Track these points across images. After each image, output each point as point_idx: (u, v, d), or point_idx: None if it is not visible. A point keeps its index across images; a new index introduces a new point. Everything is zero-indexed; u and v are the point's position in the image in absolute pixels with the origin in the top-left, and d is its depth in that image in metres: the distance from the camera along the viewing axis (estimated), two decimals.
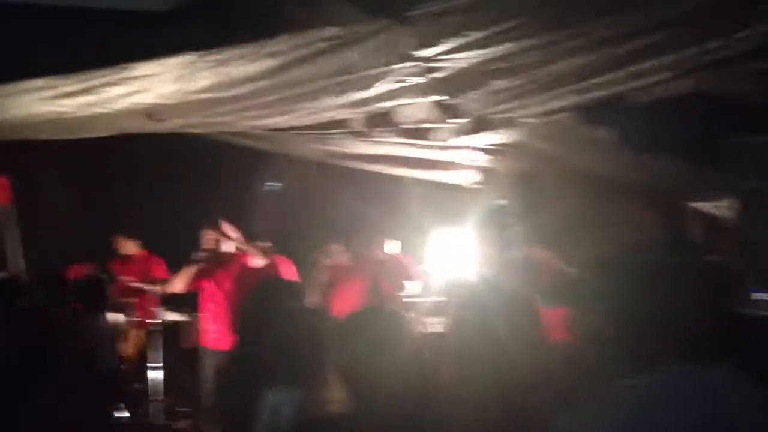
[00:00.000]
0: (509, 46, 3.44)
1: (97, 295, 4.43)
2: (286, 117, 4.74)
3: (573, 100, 4.17)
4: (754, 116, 4.23)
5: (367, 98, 4.27)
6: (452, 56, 3.63)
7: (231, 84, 3.93)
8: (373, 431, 1.81)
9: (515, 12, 3.20)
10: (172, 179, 7.13)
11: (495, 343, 1.96)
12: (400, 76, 3.92)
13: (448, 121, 4.86)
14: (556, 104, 4.32)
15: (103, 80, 3.88)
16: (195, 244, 5.43)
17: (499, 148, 5.52)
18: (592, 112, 4.34)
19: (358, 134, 5.41)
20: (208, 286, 5.34)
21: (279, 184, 8.14)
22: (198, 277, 5.31)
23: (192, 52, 3.61)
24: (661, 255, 1.53)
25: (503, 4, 3.21)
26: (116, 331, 5.46)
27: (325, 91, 4.14)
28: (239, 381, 2.56)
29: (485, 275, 4.85)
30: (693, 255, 1.65)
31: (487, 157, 5.82)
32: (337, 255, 5.66)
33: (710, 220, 5.29)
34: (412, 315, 5.21)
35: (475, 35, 3.35)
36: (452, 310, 2.20)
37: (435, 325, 4.86)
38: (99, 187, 7.31)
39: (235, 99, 4.20)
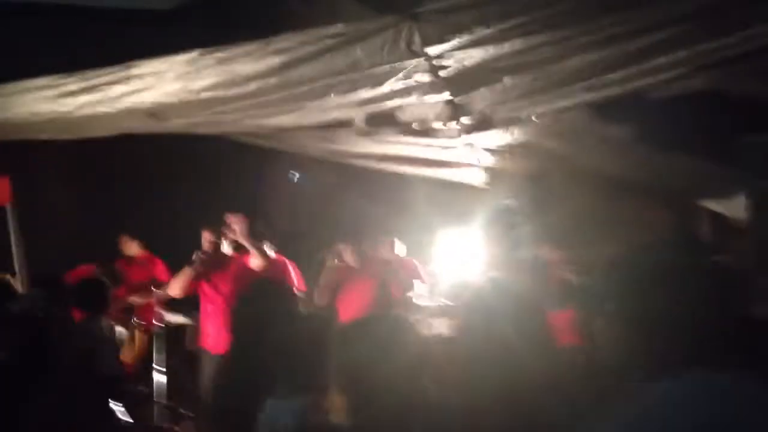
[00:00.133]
0: (517, 42, 3.38)
1: (98, 297, 4.39)
2: (291, 116, 4.68)
3: (583, 97, 4.12)
4: None
5: (375, 96, 4.22)
6: (460, 53, 3.57)
7: (235, 82, 3.88)
8: None
9: (524, 8, 3.15)
10: (172, 179, 7.12)
11: (502, 347, 1.96)
12: (408, 73, 3.87)
13: (456, 119, 4.81)
14: (566, 102, 4.26)
15: (106, 79, 3.85)
16: (195, 244, 5.39)
17: (508, 146, 5.46)
18: (602, 110, 4.30)
19: (364, 133, 5.36)
20: (206, 289, 5.30)
21: (283, 183, 8.11)
22: (196, 279, 5.26)
23: (196, 50, 3.57)
24: (671, 255, 1.53)
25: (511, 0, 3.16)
26: (118, 333, 5.43)
27: (331, 89, 4.09)
28: (236, 384, 2.54)
29: (493, 276, 4.80)
30: (703, 255, 1.66)
31: (495, 155, 5.77)
32: (345, 255, 5.62)
33: (721, 220, 5.24)
34: (418, 317, 5.16)
35: (484, 32, 3.29)
36: (460, 314, 2.19)
37: (441, 327, 4.82)
38: (99, 187, 7.30)
39: (240, 97, 4.14)
